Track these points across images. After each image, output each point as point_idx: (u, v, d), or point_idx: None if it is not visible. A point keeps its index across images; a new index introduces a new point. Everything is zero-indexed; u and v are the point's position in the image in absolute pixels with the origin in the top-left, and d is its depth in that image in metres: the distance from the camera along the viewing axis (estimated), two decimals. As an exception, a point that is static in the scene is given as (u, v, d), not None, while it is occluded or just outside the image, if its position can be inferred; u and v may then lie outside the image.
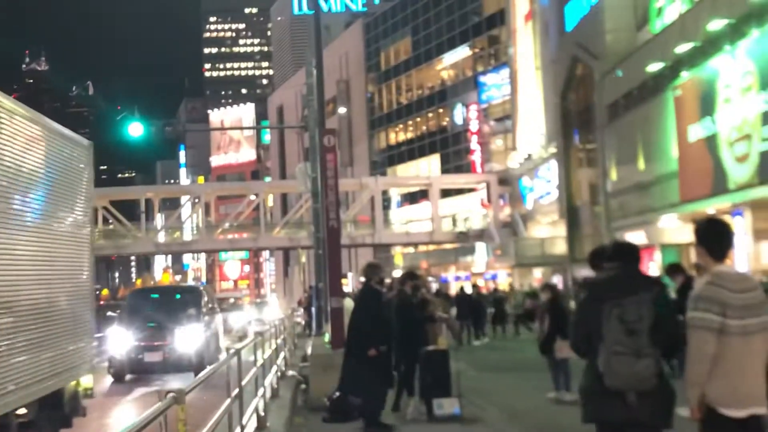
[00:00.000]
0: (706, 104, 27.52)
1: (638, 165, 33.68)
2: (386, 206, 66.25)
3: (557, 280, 39.93)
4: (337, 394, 10.64)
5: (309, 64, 21.99)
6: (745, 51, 25.02)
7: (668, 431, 5.04)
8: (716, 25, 25.90)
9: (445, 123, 69.64)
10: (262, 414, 9.34)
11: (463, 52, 66.33)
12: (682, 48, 28.34)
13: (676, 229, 31.85)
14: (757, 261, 25.43)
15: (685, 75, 29.13)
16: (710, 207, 28.07)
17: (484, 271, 58.46)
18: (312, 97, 20.85)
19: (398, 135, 76.25)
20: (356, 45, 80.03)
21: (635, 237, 34.19)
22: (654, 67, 30.86)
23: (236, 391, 7.57)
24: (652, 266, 31.88)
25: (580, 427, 5.27)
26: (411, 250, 69.48)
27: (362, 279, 11.32)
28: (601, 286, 5.08)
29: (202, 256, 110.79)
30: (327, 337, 14.13)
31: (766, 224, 25.54)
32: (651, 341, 4.74)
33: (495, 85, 61.14)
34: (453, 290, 39.56)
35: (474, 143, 61.05)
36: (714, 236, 4.77)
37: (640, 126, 33.42)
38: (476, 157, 60.76)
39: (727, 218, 27.25)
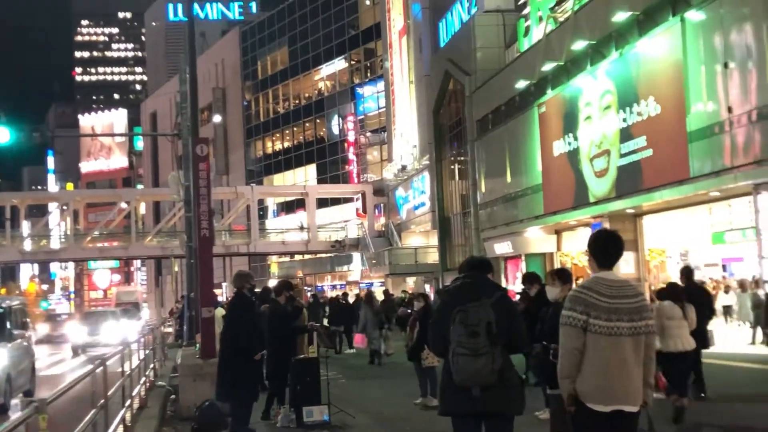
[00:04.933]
0: (569, 121, 28.83)
1: (506, 178, 34.88)
2: (262, 215, 65.94)
3: (429, 289, 40.82)
4: (208, 402, 10.70)
5: (183, 72, 21.80)
6: (605, 71, 26.38)
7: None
8: (579, 45, 27.19)
9: (322, 133, 69.94)
10: (129, 425, 9.32)
11: (340, 63, 66.88)
12: (547, 67, 29.60)
13: (540, 240, 33.14)
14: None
15: (549, 93, 30.43)
16: (572, 219, 29.41)
17: (359, 279, 59.00)
18: (186, 105, 20.70)
19: (275, 144, 76.02)
20: (233, 53, 79.37)
21: (502, 247, 35.41)
22: (521, 84, 32.08)
23: (102, 401, 7.56)
24: (518, 275, 32.94)
25: (446, 430, 5.62)
26: (287, 259, 69.35)
27: (234, 288, 11.41)
28: (451, 293, 5.52)
29: (71, 264, 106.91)
30: (198, 347, 14.10)
31: (623, 236, 26.67)
32: (490, 341, 5.16)
33: (371, 96, 61.95)
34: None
35: (350, 154, 61.62)
36: (600, 246, 5.22)
37: (508, 140, 34.64)
38: (353, 168, 61.35)
39: (587, 230, 28.62)
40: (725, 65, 20.24)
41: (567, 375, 4.94)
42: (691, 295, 10.72)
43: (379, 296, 29.65)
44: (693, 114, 21.83)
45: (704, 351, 11.48)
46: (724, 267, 28.04)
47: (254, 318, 10.50)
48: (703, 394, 11.49)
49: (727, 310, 23.97)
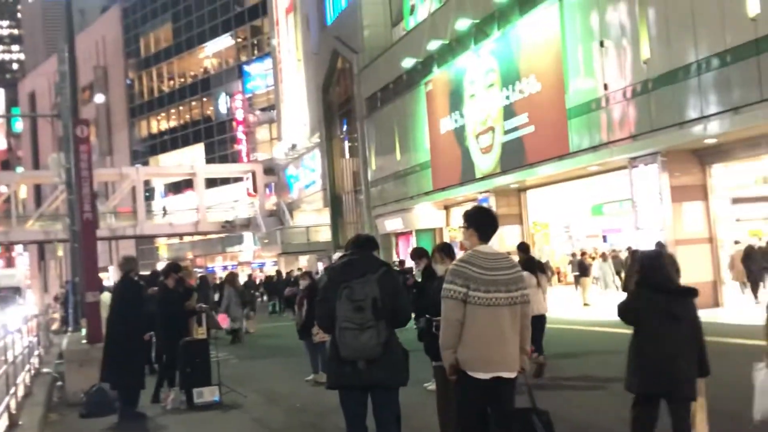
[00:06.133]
0: (455, 99, 29.36)
1: (396, 155, 35.26)
2: (149, 197, 64.54)
3: (322, 267, 40.91)
4: (95, 387, 10.56)
5: (61, 51, 21.12)
6: (488, 50, 26.95)
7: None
8: (463, 24, 27.65)
9: (209, 112, 68.86)
10: (14, 412, 9.12)
11: (226, 41, 65.87)
12: (433, 45, 29.99)
13: (429, 215, 33.70)
14: (502, 243, 27.49)
15: (436, 71, 30.86)
16: (459, 195, 30.03)
17: (251, 260, 58.61)
18: (65, 85, 20.06)
19: (161, 123, 74.40)
20: (114, 30, 77.05)
21: (393, 223, 35.84)
22: (408, 62, 32.40)
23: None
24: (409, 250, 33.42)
25: (336, 405, 5.77)
26: (176, 240, 68.19)
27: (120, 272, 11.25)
28: (336, 270, 5.65)
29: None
30: (84, 332, 13.84)
31: (508, 210, 27.65)
32: (375, 315, 5.34)
33: (259, 74, 61.30)
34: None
35: (239, 133, 60.93)
36: (483, 221, 5.41)
37: (397, 118, 34.99)
38: (242, 147, 60.69)
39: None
40: (601, 44, 21.02)
41: (449, 346, 5.14)
42: (528, 268, 11.58)
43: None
44: (572, 91, 22.60)
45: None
46: (604, 238, 29.20)
47: (140, 301, 10.41)
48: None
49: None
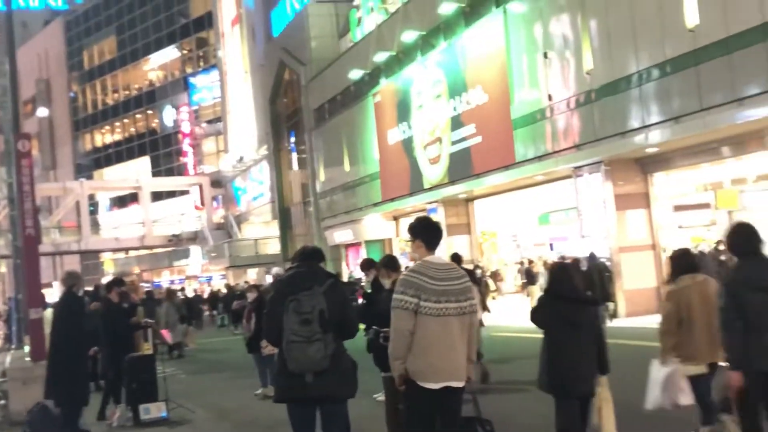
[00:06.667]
0: (403, 110, 29.50)
1: (344, 166, 35.27)
2: (93, 211, 63.56)
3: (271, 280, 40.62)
4: (39, 405, 10.34)
5: (2, 64, 20.73)
6: (435, 61, 27.15)
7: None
8: (409, 36, 27.83)
9: (154, 125, 68.09)
10: (-46, 434, 8.89)
11: (171, 53, 65.28)
12: (380, 57, 30.11)
13: (379, 226, 33.75)
14: (450, 253, 27.64)
15: (383, 82, 30.98)
16: (408, 205, 30.15)
17: (199, 274, 58.01)
18: (6, 99, 19.69)
19: (105, 137, 73.35)
20: (57, 43, 75.85)
21: (343, 235, 35.83)
22: (355, 74, 32.47)
23: None
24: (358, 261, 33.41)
25: (286, 419, 5.72)
26: (122, 255, 67.17)
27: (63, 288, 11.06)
28: (283, 283, 5.62)
29: None
30: (27, 350, 13.55)
31: (457, 219, 27.87)
32: (322, 328, 5.31)
33: (205, 86, 60.85)
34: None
35: (186, 145, 60.36)
36: (427, 231, 5.44)
37: (345, 129, 35.02)
38: (188, 160, 60.12)
39: (423, 215, 29.41)
40: (545, 55, 21.32)
41: (398, 356, 5.16)
42: None
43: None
44: (517, 102, 22.87)
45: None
46: (551, 246, 29.52)
47: (84, 317, 10.24)
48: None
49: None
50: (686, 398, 6.64)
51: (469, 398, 5.37)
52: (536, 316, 6.30)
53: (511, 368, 12.99)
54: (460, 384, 5.22)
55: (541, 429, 8.42)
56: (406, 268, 5.60)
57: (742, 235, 5.73)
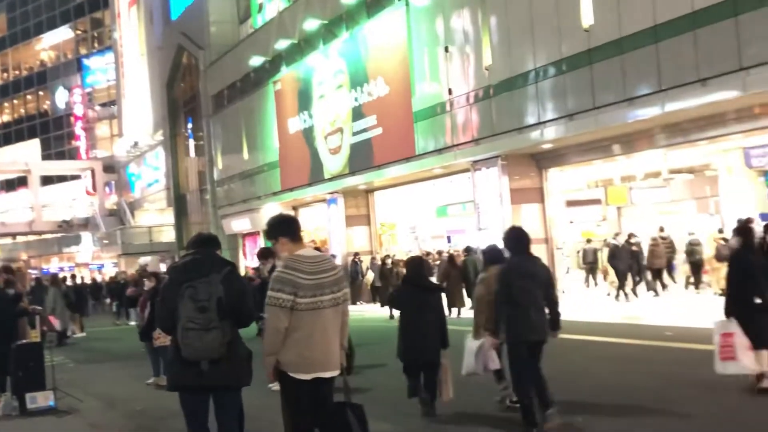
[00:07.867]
0: (304, 99, 29.34)
1: (243, 154, 34.87)
2: (-21, 194, 61.04)
3: (164, 268, 39.89)
4: None
5: None
6: (337, 51, 27.08)
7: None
8: (311, 24, 27.67)
9: (46, 106, 65.84)
10: None
11: (64, 33, 63.19)
12: (282, 44, 29.85)
13: (277, 216, 33.45)
14: (350, 244, 27.76)
15: (284, 70, 30.73)
16: (308, 195, 30.05)
17: (89, 261, 56.45)
18: None
19: (-7, 117, 70.52)
20: (-59, 17, 72.39)
21: (240, 224, 35.45)
22: (256, 60, 32.10)
23: None
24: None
25: (177, 408, 5.61)
26: (9, 241, 64.72)
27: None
28: (179, 270, 5.52)
29: None
30: None
31: (357, 211, 27.94)
32: (219, 316, 5.25)
33: (100, 68, 59.21)
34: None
35: (78, 129, 58.57)
36: (286, 225, 5.47)
37: (244, 117, 34.61)
38: (81, 143, 58.37)
39: (323, 206, 29.37)
40: (446, 49, 21.55)
41: (272, 351, 5.20)
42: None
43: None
44: (418, 95, 23.06)
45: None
46: (448, 238, 29.89)
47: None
48: None
49: None
50: (494, 364, 8.16)
51: (339, 385, 5.43)
52: (393, 299, 8.12)
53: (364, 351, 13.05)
54: (334, 373, 5.32)
55: (395, 400, 8.84)
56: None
57: (513, 237, 7.50)
